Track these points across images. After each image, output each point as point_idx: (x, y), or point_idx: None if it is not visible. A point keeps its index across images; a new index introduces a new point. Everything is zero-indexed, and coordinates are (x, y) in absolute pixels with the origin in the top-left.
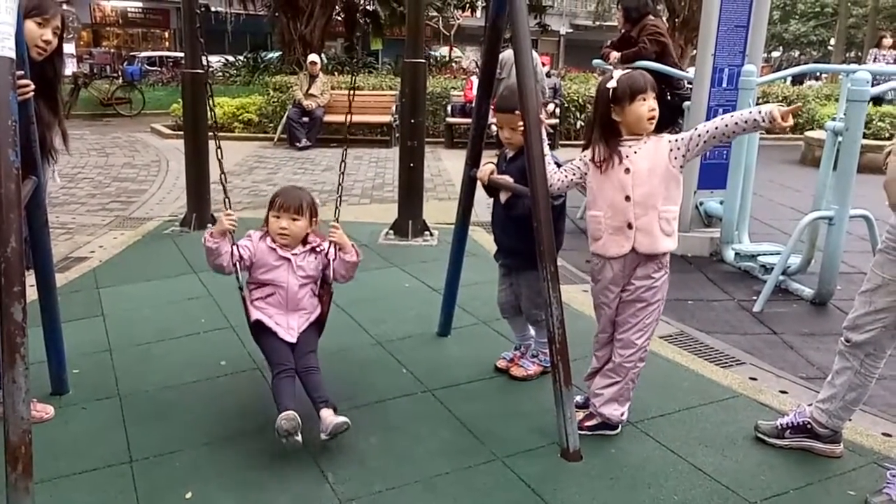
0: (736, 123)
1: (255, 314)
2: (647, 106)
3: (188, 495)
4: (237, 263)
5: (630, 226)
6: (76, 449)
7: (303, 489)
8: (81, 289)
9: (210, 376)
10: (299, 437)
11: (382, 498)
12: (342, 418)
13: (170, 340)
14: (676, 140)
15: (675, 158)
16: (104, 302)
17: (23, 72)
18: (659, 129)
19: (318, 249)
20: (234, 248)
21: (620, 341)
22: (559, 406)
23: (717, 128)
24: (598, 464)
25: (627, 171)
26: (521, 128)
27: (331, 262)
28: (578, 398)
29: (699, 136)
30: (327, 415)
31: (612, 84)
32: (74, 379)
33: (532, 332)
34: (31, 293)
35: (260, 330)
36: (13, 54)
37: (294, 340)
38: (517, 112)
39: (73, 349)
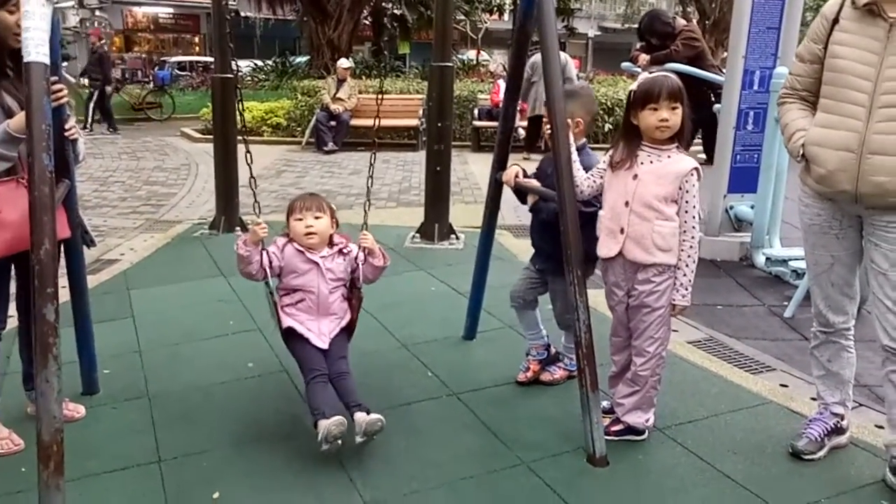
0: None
1: (287, 321)
2: (657, 116)
3: (216, 496)
4: (267, 269)
5: (622, 231)
6: (106, 448)
7: (329, 492)
8: (112, 291)
9: (238, 378)
10: (339, 442)
11: (407, 501)
12: (375, 416)
13: (198, 342)
14: (693, 186)
15: (681, 196)
16: (134, 304)
17: (56, 77)
18: (704, 137)
19: (345, 251)
20: (264, 254)
21: (635, 349)
22: (585, 411)
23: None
24: (625, 470)
25: (635, 177)
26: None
27: (360, 265)
28: (605, 403)
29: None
30: (361, 417)
31: (633, 86)
32: (105, 379)
33: (544, 331)
34: (63, 294)
35: (292, 336)
36: (48, 60)
37: (326, 346)
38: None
39: (104, 350)
